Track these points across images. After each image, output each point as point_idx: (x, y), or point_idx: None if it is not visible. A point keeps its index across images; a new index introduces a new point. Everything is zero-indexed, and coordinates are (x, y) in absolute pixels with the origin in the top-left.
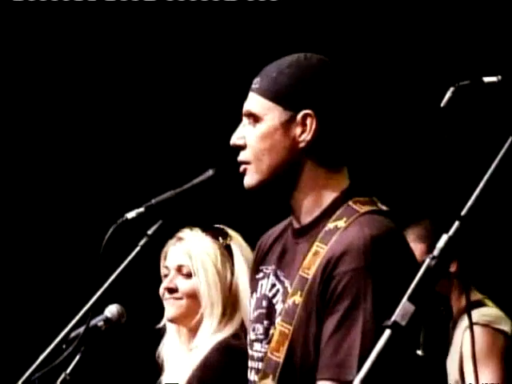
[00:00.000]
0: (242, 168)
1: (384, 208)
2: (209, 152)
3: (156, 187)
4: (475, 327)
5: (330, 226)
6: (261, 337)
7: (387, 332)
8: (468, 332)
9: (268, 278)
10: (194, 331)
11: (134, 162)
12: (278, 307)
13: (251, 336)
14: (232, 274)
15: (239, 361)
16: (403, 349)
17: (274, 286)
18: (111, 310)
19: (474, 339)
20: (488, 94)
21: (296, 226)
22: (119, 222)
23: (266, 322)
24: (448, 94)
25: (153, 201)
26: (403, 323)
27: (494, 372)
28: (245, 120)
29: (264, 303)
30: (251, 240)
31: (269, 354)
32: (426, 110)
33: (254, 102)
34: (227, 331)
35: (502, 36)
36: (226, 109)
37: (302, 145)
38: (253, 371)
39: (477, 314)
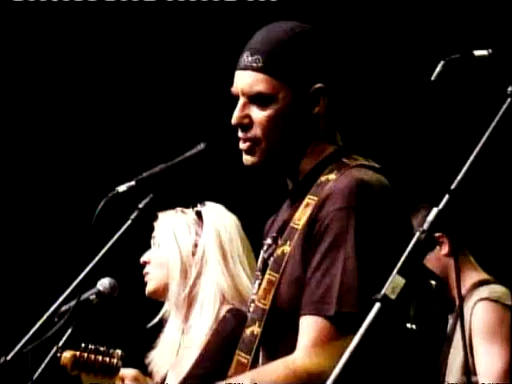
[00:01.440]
0: (245, 145)
1: (376, 165)
2: (200, 126)
3: (147, 161)
4: (485, 302)
5: (322, 178)
6: (253, 297)
7: (377, 305)
8: (478, 306)
9: (266, 244)
10: (182, 307)
11: (126, 136)
12: (270, 261)
13: (250, 299)
14: (198, 236)
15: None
16: (393, 322)
17: (269, 246)
18: (103, 284)
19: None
20: (479, 67)
21: (290, 187)
22: (110, 195)
23: (260, 278)
24: (438, 68)
25: (144, 174)
26: (393, 296)
27: (503, 347)
28: (245, 99)
29: (260, 266)
30: (242, 211)
31: (256, 302)
32: (417, 84)
33: (262, 81)
34: (227, 305)
35: (492, 10)
36: (218, 84)
37: (314, 118)
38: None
39: (487, 291)
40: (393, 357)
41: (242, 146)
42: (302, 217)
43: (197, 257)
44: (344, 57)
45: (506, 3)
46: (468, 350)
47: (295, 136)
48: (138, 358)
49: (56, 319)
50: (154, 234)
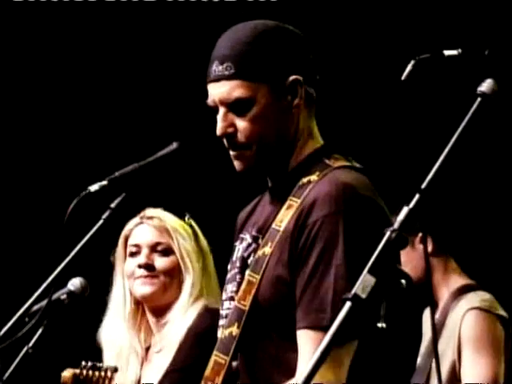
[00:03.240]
0: (236, 153)
1: (358, 165)
2: (173, 125)
3: (119, 160)
4: (476, 311)
5: (304, 180)
6: (231, 295)
7: (348, 304)
8: (469, 315)
9: (244, 240)
10: (163, 309)
11: (98, 135)
12: (249, 261)
13: (223, 297)
14: (202, 250)
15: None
16: (364, 321)
17: (249, 245)
18: (74, 283)
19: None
20: (449, 67)
21: (270, 185)
22: (82, 194)
23: (238, 277)
24: (409, 67)
25: (116, 174)
26: (364, 296)
27: (492, 358)
28: (225, 108)
29: (238, 263)
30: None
31: (235, 303)
32: (387, 83)
33: (238, 87)
34: (203, 302)
35: (463, 10)
36: (191, 84)
37: (294, 110)
38: (221, 328)
39: (477, 299)
40: (363, 356)
41: (233, 153)
42: (283, 219)
43: (204, 272)
44: (313, 47)
45: (476, 3)
46: (457, 358)
47: (282, 132)
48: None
49: (27, 319)
50: (156, 238)
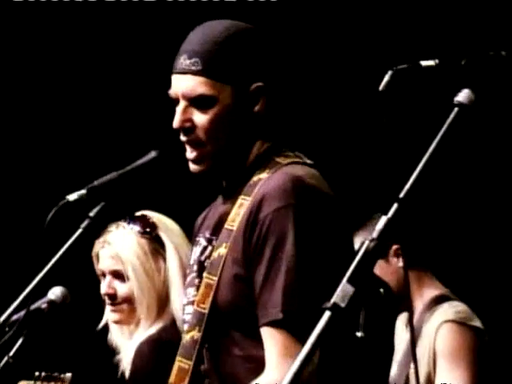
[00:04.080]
0: (192, 152)
1: (308, 161)
2: (152, 134)
3: (98, 169)
4: (451, 324)
5: (254, 178)
6: (192, 299)
7: (327, 314)
8: (444, 328)
9: (200, 243)
10: (136, 326)
11: (77, 144)
12: (206, 263)
13: (183, 301)
14: (164, 263)
15: (169, 353)
16: (343, 330)
17: (204, 248)
18: (54, 292)
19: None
20: (426, 77)
21: (223, 186)
22: (61, 204)
23: (197, 281)
24: (386, 78)
25: (95, 182)
26: (343, 305)
27: (467, 370)
28: (186, 102)
29: (195, 267)
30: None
31: (195, 307)
32: (365, 94)
33: (202, 84)
34: (157, 325)
35: (439, 20)
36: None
37: (255, 117)
38: (183, 333)
39: (451, 310)
40: (342, 365)
41: (189, 155)
42: (235, 218)
43: (166, 286)
44: (283, 55)
45: (452, 14)
46: (432, 370)
47: (238, 136)
48: (89, 363)
49: (7, 329)
50: (115, 266)
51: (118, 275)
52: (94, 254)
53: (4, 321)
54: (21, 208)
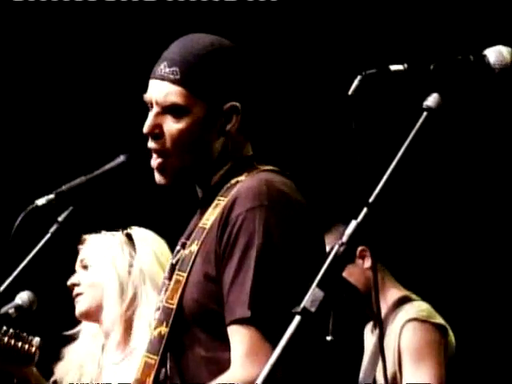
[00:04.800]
0: (156, 161)
1: (286, 172)
2: (121, 138)
3: (66, 173)
4: (415, 323)
5: (232, 181)
6: (162, 301)
7: (297, 318)
8: (408, 326)
9: (177, 250)
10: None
11: (45, 149)
12: (178, 263)
13: (156, 306)
14: (132, 257)
15: None
16: (313, 335)
17: (178, 252)
18: (22, 297)
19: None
20: (395, 82)
21: (200, 195)
22: (29, 208)
23: (167, 283)
24: (355, 83)
25: (63, 187)
26: (313, 309)
27: (432, 367)
28: (158, 109)
29: (167, 272)
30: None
31: (164, 303)
32: (334, 99)
33: (178, 94)
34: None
35: (409, 24)
36: (140, 95)
37: (225, 134)
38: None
39: (414, 310)
40: (312, 369)
41: (153, 162)
42: (209, 217)
43: (133, 275)
44: (262, 75)
45: (420, 19)
46: (397, 369)
47: (205, 151)
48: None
49: None
50: (81, 257)
51: (83, 264)
52: None
53: None
54: None
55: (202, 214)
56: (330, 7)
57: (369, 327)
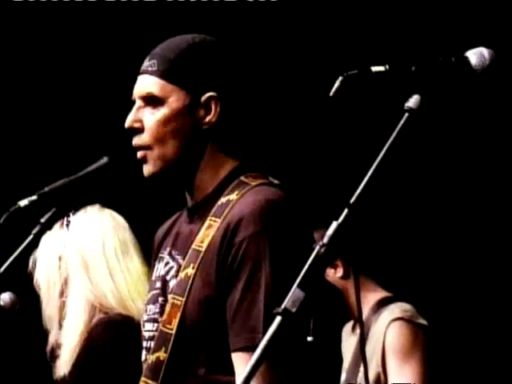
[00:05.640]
0: (140, 154)
1: (276, 181)
2: (103, 139)
3: (49, 174)
4: (399, 322)
5: (223, 200)
6: (153, 316)
7: (278, 319)
8: (392, 326)
9: (163, 260)
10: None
11: (27, 149)
12: (172, 283)
13: (144, 317)
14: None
15: (126, 335)
16: (293, 335)
17: (167, 264)
18: (4, 298)
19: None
20: (376, 83)
21: (190, 205)
22: (11, 209)
23: (160, 300)
24: (336, 84)
25: (46, 188)
26: (293, 310)
27: (417, 366)
28: (140, 102)
29: (158, 284)
30: (147, 227)
31: (161, 327)
32: (316, 100)
33: (154, 84)
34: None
35: (390, 25)
36: (124, 96)
37: (205, 127)
38: (144, 351)
39: (397, 309)
40: (294, 370)
41: (138, 155)
42: (204, 239)
43: (62, 269)
44: (244, 69)
45: (402, 20)
46: (381, 370)
47: (186, 143)
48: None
49: None
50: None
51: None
52: None
53: None
54: None
55: (193, 229)
56: (311, 9)
57: (347, 327)
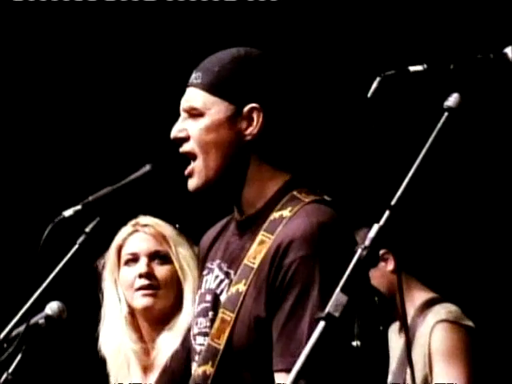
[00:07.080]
0: (187, 171)
1: (327, 198)
2: (146, 147)
3: (93, 184)
4: (444, 324)
5: (276, 215)
6: (204, 330)
7: (321, 324)
8: (437, 328)
9: (213, 272)
10: (160, 319)
11: (72, 159)
12: (222, 298)
13: (194, 330)
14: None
15: None
16: (338, 340)
17: (217, 277)
18: (51, 307)
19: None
20: (414, 83)
21: (239, 218)
22: (57, 220)
23: (211, 314)
24: (374, 85)
25: (90, 198)
26: (337, 314)
27: (463, 368)
28: (184, 115)
29: (208, 297)
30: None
31: (209, 341)
32: (353, 101)
33: (196, 96)
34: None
35: (427, 24)
36: (165, 105)
37: (247, 138)
38: (195, 364)
39: (443, 311)
40: (339, 375)
41: (186, 172)
42: (257, 255)
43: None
44: (288, 79)
45: (440, 19)
46: (428, 371)
47: (229, 154)
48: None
49: (5, 345)
50: (159, 248)
51: (159, 257)
52: (118, 241)
53: (3, 338)
54: (17, 224)
55: (244, 243)
56: (347, 9)
57: (394, 328)
